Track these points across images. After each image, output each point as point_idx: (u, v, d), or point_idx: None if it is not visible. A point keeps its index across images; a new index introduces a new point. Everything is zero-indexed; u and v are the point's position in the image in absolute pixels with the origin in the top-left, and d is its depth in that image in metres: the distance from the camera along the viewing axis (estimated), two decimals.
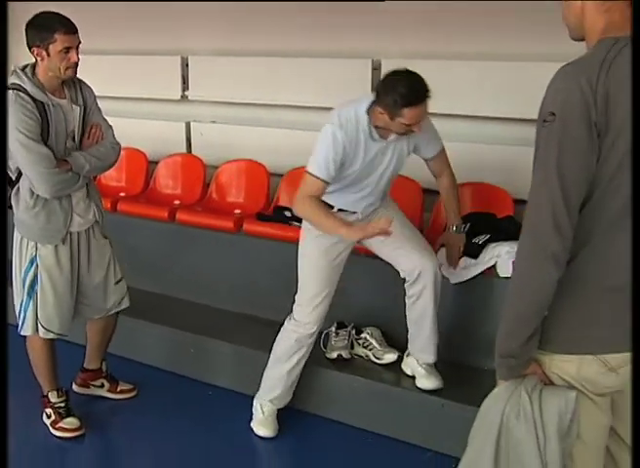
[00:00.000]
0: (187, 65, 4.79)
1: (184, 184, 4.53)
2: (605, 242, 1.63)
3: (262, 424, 3.20)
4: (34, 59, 2.81)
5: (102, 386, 3.46)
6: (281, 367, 3.14)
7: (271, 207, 4.12)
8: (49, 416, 3.20)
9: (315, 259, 3.03)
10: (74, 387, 3.46)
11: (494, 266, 3.17)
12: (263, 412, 3.20)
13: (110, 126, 3.05)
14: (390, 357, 3.31)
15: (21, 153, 2.75)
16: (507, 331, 1.68)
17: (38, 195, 2.85)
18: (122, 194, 4.52)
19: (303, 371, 3.23)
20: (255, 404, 3.24)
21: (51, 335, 3.06)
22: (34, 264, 2.96)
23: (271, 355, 3.18)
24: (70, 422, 3.17)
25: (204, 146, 4.71)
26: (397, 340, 3.33)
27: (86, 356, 3.44)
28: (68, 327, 3.11)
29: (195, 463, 3.09)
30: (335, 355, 3.35)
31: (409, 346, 3.19)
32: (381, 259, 3.15)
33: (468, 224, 3.30)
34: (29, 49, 2.77)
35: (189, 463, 3.09)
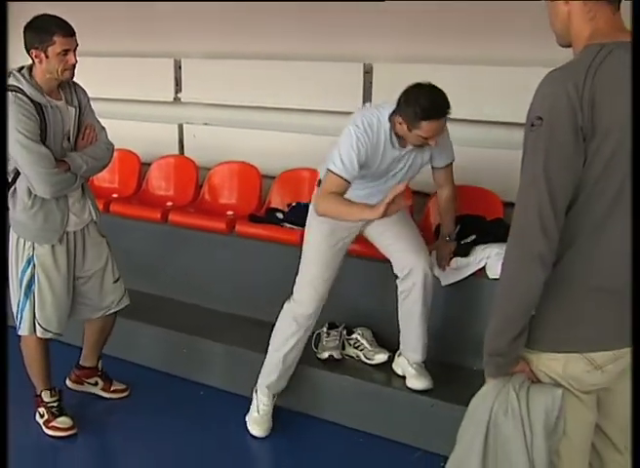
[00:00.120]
0: (180, 68, 4.81)
1: (177, 186, 4.54)
2: (590, 243, 1.67)
3: (257, 423, 3.23)
4: (30, 61, 2.84)
5: (96, 384, 3.48)
6: (279, 350, 3.16)
7: (263, 208, 4.15)
8: (42, 416, 3.22)
9: (317, 243, 3.10)
10: (68, 383, 3.48)
11: (483, 268, 3.21)
12: (259, 411, 3.22)
13: (103, 127, 3.09)
14: (381, 357, 3.35)
15: (21, 154, 2.77)
16: (496, 331, 1.72)
17: (36, 195, 2.88)
18: (115, 195, 4.53)
19: (295, 371, 3.26)
20: (253, 394, 3.27)
21: (49, 335, 3.08)
22: (31, 264, 2.98)
23: (270, 341, 3.20)
24: (63, 421, 3.19)
25: (196, 148, 4.73)
26: (388, 341, 3.37)
27: (82, 354, 3.45)
28: (65, 326, 3.13)
29: (188, 463, 3.10)
30: (326, 355, 3.38)
31: (400, 345, 3.23)
32: (377, 260, 3.22)
33: (458, 226, 3.35)
34: (27, 51, 2.80)
35: (182, 463, 3.10)
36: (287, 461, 3.19)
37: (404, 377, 3.20)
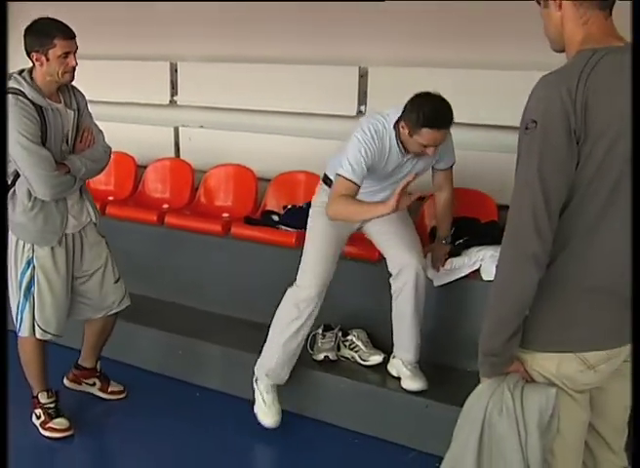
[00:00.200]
0: (176, 71, 4.83)
1: (173, 188, 4.57)
2: (583, 244, 1.69)
3: (264, 414, 3.22)
4: (29, 64, 2.86)
5: (94, 385, 3.49)
6: (279, 336, 3.17)
7: (259, 211, 4.17)
8: (38, 417, 3.23)
9: (320, 230, 3.17)
10: (65, 382, 3.49)
11: (477, 270, 3.24)
12: (265, 401, 3.21)
13: (101, 130, 3.11)
14: (376, 358, 3.37)
15: (22, 156, 2.78)
16: (490, 331, 1.74)
17: (36, 198, 2.89)
18: (110, 198, 4.54)
19: (291, 372, 3.27)
20: (254, 382, 3.27)
21: (48, 337, 3.10)
22: (31, 266, 2.99)
23: (271, 325, 3.22)
24: (60, 423, 3.20)
25: (192, 151, 4.75)
26: (383, 342, 3.39)
27: (82, 354, 3.46)
28: (64, 327, 3.14)
29: (185, 464, 3.11)
30: (321, 357, 3.40)
31: (394, 346, 3.25)
32: (372, 262, 3.29)
33: (453, 229, 3.39)
34: (28, 54, 2.82)
35: (179, 464, 3.11)
36: (283, 462, 3.21)
37: (399, 378, 3.22)
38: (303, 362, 3.36)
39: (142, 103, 4.96)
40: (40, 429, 3.21)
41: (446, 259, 3.28)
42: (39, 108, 2.82)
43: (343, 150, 2.92)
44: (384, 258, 3.24)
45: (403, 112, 2.82)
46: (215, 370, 3.68)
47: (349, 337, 3.46)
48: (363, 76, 4.15)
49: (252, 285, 3.87)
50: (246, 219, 4.03)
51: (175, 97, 4.87)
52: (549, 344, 1.73)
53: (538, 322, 1.73)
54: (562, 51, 1.77)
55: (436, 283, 3.28)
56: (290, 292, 3.16)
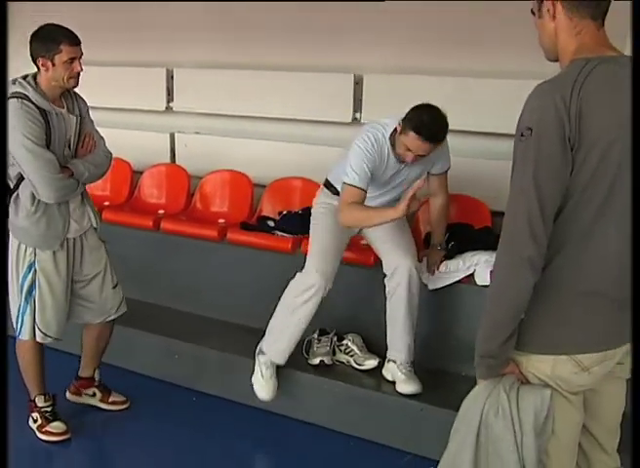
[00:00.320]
0: (172, 77, 4.86)
1: (169, 194, 4.58)
2: (577, 249, 1.73)
3: (261, 386, 3.27)
4: (31, 69, 2.90)
5: (94, 395, 3.48)
6: (283, 318, 3.23)
7: (255, 217, 4.20)
8: (35, 421, 3.23)
9: (324, 225, 3.29)
10: (67, 395, 3.47)
11: (472, 275, 3.28)
12: (263, 375, 3.27)
13: (102, 136, 3.15)
14: (371, 363, 3.40)
15: (27, 159, 2.81)
16: (486, 334, 1.78)
17: (39, 201, 2.91)
18: (106, 203, 4.56)
19: (285, 377, 3.32)
20: (256, 355, 3.32)
21: (48, 340, 3.11)
22: (32, 270, 3.01)
23: (278, 306, 3.26)
24: (57, 426, 3.21)
25: (188, 157, 4.77)
26: (378, 347, 3.41)
27: (81, 364, 3.46)
28: (64, 331, 3.16)
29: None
30: (317, 361, 3.42)
31: (388, 347, 3.29)
32: (368, 267, 3.34)
33: (447, 234, 3.43)
34: (34, 59, 2.86)
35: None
36: (280, 466, 3.22)
37: (394, 383, 3.25)
38: (299, 366, 3.40)
39: (138, 109, 4.98)
40: (37, 433, 3.22)
41: (441, 262, 3.33)
42: (43, 112, 2.85)
43: (345, 158, 3.03)
44: (380, 263, 3.29)
45: (407, 113, 2.92)
46: (211, 375, 3.70)
47: (345, 342, 3.49)
48: (358, 83, 4.19)
49: (248, 290, 3.89)
50: (242, 225, 4.05)
51: (171, 104, 4.90)
52: (544, 347, 1.77)
53: (533, 325, 1.77)
54: (556, 60, 1.82)
55: (431, 286, 3.32)
56: (297, 276, 3.22)
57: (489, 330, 1.77)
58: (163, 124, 4.95)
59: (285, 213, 4.07)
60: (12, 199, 2.95)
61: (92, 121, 3.12)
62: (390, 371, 3.28)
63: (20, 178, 2.91)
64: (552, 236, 1.70)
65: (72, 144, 3.01)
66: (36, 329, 3.07)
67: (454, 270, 3.29)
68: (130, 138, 4.83)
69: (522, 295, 1.71)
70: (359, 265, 3.50)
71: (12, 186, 2.93)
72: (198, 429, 3.37)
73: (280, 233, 3.89)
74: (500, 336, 1.74)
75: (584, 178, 1.67)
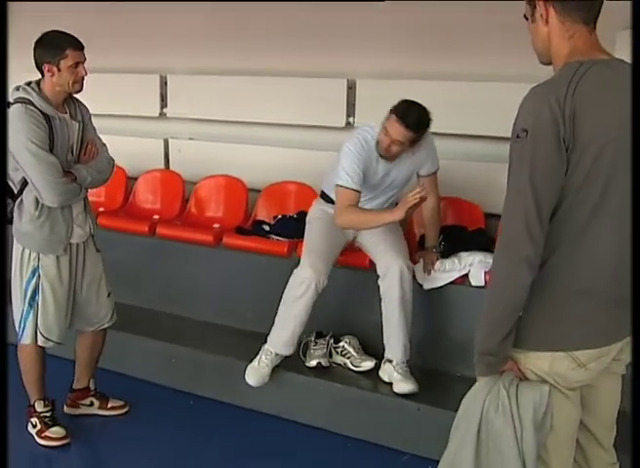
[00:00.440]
0: (166, 83, 4.90)
1: (164, 199, 4.61)
2: (572, 249, 1.77)
3: (252, 372, 3.34)
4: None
5: (92, 404, 3.47)
6: (284, 312, 3.30)
7: (250, 221, 4.22)
8: (34, 426, 3.24)
9: (319, 224, 3.41)
10: (65, 409, 3.46)
11: (466, 275, 3.32)
12: (259, 362, 3.34)
13: (104, 143, 3.18)
14: (368, 364, 3.43)
15: (31, 162, 2.84)
16: (485, 332, 1.81)
17: (42, 206, 2.94)
18: (101, 209, 4.56)
19: (283, 379, 3.37)
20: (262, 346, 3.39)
21: (50, 344, 3.13)
22: (36, 275, 3.03)
23: (280, 303, 3.32)
24: (56, 431, 3.22)
25: (182, 163, 4.80)
26: (374, 348, 3.45)
27: (75, 376, 3.45)
28: (65, 335, 3.18)
29: None
30: (314, 363, 3.45)
31: (385, 347, 3.33)
32: (363, 270, 3.40)
33: (441, 236, 3.47)
34: (39, 65, 2.90)
35: None
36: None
37: (390, 384, 3.28)
38: (296, 368, 3.44)
39: (132, 116, 5.00)
40: (36, 438, 3.23)
41: (437, 259, 3.38)
42: (47, 117, 2.88)
43: (337, 163, 3.13)
44: (375, 265, 3.33)
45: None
46: (209, 379, 3.72)
47: (341, 344, 3.52)
48: (351, 88, 4.24)
49: (244, 294, 3.92)
50: (237, 230, 4.07)
51: (164, 110, 4.93)
52: (542, 344, 1.80)
53: (530, 322, 1.80)
54: (549, 63, 1.85)
55: (426, 286, 3.36)
56: (295, 270, 3.28)
57: (488, 327, 1.80)
58: (157, 130, 4.98)
59: (280, 217, 4.10)
60: (15, 204, 2.97)
61: (94, 128, 3.15)
62: (387, 373, 3.31)
63: (24, 183, 2.93)
64: (548, 236, 1.73)
65: (75, 150, 3.04)
66: (38, 333, 3.09)
67: (449, 269, 3.33)
68: (124, 145, 4.79)
69: (520, 294, 1.75)
70: (355, 268, 3.54)
71: (16, 191, 2.96)
72: (197, 432, 3.38)
73: (275, 237, 3.92)
74: (498, 334, 1.77)
75: (578, 179, 1.70)
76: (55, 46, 2.87)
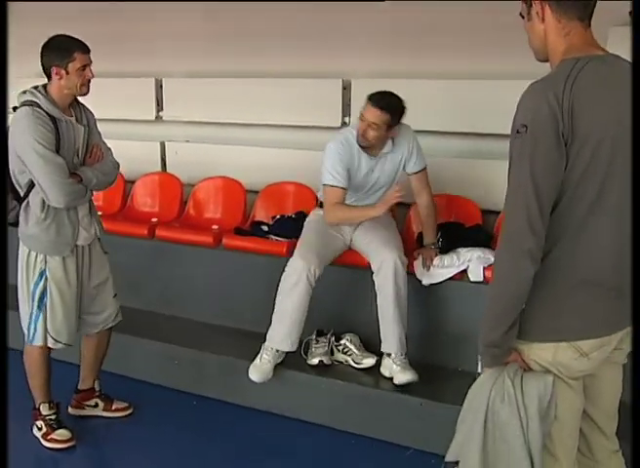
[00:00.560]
0: (161, 87, 4.92)
1: (162, 202, 4.63)
2: (572, 242, 1.80)
3: (254, 368, 3.38)
4: (44, 80, 2.98)
5: (97, 406, 3.50)
6: (279, 305, 3.36)
7: (248, 222, 4.25)
8: (40, 429, 3.26)
9: (313, 225, 3.53)
10: (70, 410, 3.48)
11: (465, 271, 3.35)
12: (260, 359, 3.38)
13: (109, 148, 3.22)
14: (369, 361, 3.46)
15: (38, 163, 2.86)
16: (490, 324, 1.84)
17: (49, 208, 2.96)
18: (100, 213, 4.54)
19: (285, 377, 3.40)
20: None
21: (59, 346, 3.15)
22: (43, 277, 3.05)
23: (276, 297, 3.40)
24: (62, 434, 3.23)
25: (178, 165, 4.83)
26: (375, 346, 3.46)
27: (80, 377, 3.48)
28: (74, 337, 3.20)
29: None
30: (316, 361, 3.48)
31: (381, 342, 3.36)
32: (362, 268, 3.42)
33: (439, 233, 3.51)
34: (46, 69, 2.93)
35: None
36: (279, 466, 3.23)
37: (392, 379, 3.31)
38: (298, 366, 3.47)
39: (129, 119, 5.03)
40: (42, 441, 3.25)
41: (436, 255, 3.42)
42: (53, 119, 2.91)
43: (322, 164, 3.30)
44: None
45: None
46: (211, 379, 3.74)
47: (342, 342, 3.55)
48: (346, 88, 4.28)
49: (244, 294, 3.94)
50: (236, 230, 4.09)
51: (160, 113, 4.96)
52: (545, 334, 1.84)
53: (533, 314, 1.84)
54: (546, 60, 1.89)
55: (425, 282, 3.39)
56: (287, 264, 3.34)
57: (492, 320, 1.84)
58: (153, 133, 5.01)
59: (278, 217, 4.12)
60: (22, 207, 2.99)
61: (99, 133, 3.19)
62: (387, 367, 3.35)
63: (31, 186, 2.95)
64: (549, 229, 1.77)
65: (80, 154, 3.06)
66: (47, 335, 3.11)
67: (448, 265, 3.36)
68: (121, 148, 4.74)
69: (523, 286, 1.78)
70: (355, 266, 3.56)
71: (22, 194, 2.98)
72: (200, 433, 3.41)
73: (274, 237, 3.95)
74: (502, 326, 1.81)
75: (577, 174, 1.74)
76: (63, 49, 2.91)
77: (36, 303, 3.08)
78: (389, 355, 3.33)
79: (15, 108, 2.94)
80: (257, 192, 4.39)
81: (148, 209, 4.63)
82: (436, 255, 3.40)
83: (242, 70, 4.61)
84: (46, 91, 2.96)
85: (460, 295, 3.40)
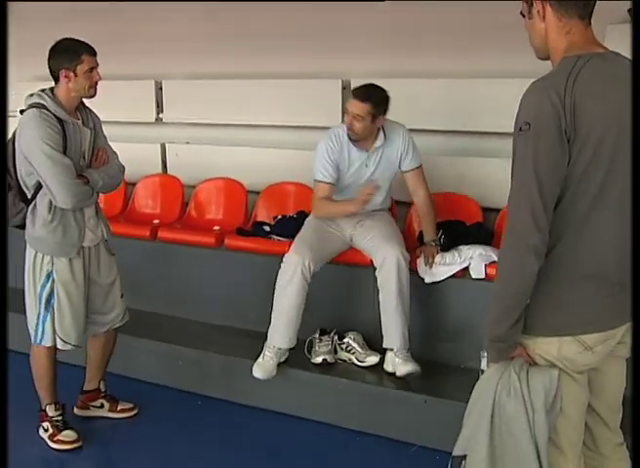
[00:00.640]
0: (161, 89, 4.94)
1: (163, 203, 4.65)
2: (575, 238, 1.83)
3: (258, 366, 3.40)
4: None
5: (102, 406, 3.51)
6: (277, 303, 3.41)
7: (250, 222, 4.27)
8: (46, 430, 3.27)
9: (310, 224, 3.61)
10: (75, 410, 3.50)
11: (467, 268, 3.37)
12: (263, 357, 3.41)
13: (115, 151, 3.25)
14: (372, 359, 3.48)
15: (46, 164, 2.88)
16: (495, 319, 1.87)
17: (55, 209, 2.98)
18: None
19: (289, 376, 3.42)
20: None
21: (68, 347, 3.17)
22: (50, 279, 3.07)
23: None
24: (68, 435, 3.25)
25: (179, 167, 4.84)
26: (378, 344, 3.48)
27: (86, 377, 3.49)
28: (82, 339, 3.22)
29: None
30: (320, 360, 3.49)
31: (383, 338, 3.38)
32: (365, 266, 3.44)
33: (441, 231, 3.53)
34: (54, 72, 2.96)
35: None
36: (284, 464, 3.24)
37: (394, 374, 3.33)
38: (301, 365, 3.49)
39: (129, 122, 5.03)
40: (48, 442, 3.26)
41: (437, 252, 3.43)
42: (60, 121, 2.93)
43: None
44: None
45: None
46: (215, 379, 3.76)
47: (346, 340, 3.57)
48: (346, 88, 4.27)
49: (247, 294, 3.96)
50: (238, 231, 4.11)
51: (160, 115, 4.97)
52: (549, 329, 1.86)
53: (537, 309, 1.86)
54: (547, 59, 1.92)
55: (427, 280, 3.41)
56: (282, 260, 3.40)
57: (497, 315, 1.86)
58: (153, 135, 5.03)
59: (280, 217, 4.14)
60: (29, 209, 3.01)
61: (105, 136, 3.21)
62: (390, 362, 3.37)
63: (38, 188, 2.97)
64: (552, 225, 1.79)
65: (87, 156, 3.09)
66: (56, 336, 3.13)
67: (450, 262, 3.38)
68: (121, 151, 4.79)
69: (527, 281, 1.81)
70: (357, 265, 3.58)
71: (29, 196, 3.00)
72: (205, 432, 3.43)
73: (276, 237, 3.96)
74: (507, 321, 1.83)
75: (579, 170, 1.76)
76: (71, 52, 2.94)
77: (43, 305, 3.10)
78: (392, 349, 3.35)
79: (22, 111, 2.96)
80: (258, 193, 4.41)
81: (150, 210, 4.65)
82: (437, 253, 3.42)
83: (242, 71, 4.63)
84: (53, 94, 2.99)
85: (461, 293, 3.42)
